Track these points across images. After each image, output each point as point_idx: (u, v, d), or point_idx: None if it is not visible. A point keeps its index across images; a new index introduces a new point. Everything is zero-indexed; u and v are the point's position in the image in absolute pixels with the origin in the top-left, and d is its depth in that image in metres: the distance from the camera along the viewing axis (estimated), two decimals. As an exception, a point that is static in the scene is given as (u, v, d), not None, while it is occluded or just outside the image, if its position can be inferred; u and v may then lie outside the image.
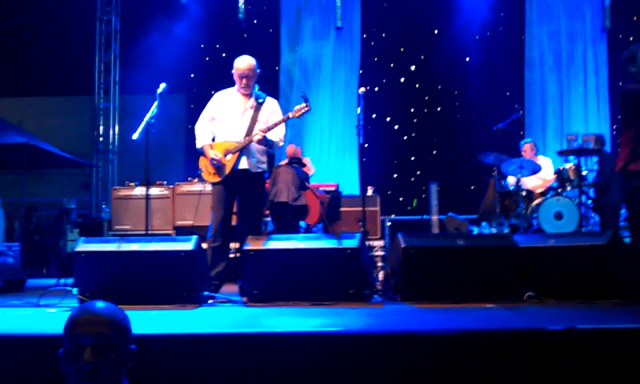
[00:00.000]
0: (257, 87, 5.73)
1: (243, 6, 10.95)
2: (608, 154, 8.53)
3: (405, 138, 11.23)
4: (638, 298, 4.69)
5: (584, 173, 8.10)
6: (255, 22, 11.21)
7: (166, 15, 10.92)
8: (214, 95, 5.79)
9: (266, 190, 6.01)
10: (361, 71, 11.05)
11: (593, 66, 10.96)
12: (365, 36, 11.20)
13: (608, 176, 8.05)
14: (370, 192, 8.59)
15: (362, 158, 6.15)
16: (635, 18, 10.99)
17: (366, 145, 6.20)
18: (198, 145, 5.67)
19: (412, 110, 11.24)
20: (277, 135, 5.63)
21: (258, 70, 5.69)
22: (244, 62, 5.61)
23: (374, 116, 10.86)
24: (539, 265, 4.81)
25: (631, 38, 10.90)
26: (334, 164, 10.61)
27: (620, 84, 10.82)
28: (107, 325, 2.15)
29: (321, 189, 8.58)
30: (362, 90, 6.17)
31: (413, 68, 11.27)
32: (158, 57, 10.39)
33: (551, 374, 3.22)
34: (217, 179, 5.60)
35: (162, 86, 5.85)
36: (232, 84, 5.75)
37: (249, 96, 5.65)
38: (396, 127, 11.25)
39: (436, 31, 11.16)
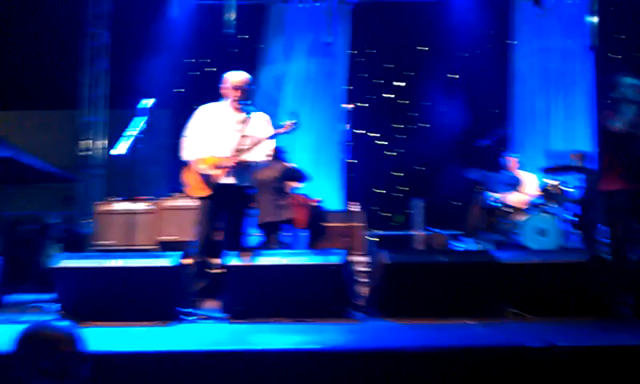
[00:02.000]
0: (247, 102, 5.71)
1: (232, 21, 10.97)
2: (593, 172, 8.58)
3: (391, 154, 11.26)
4: (618, 315, 4.72)
5: (568, 190, 8.15)
6: (243, 37, 11.22)
7: (155, 30, 10.91)
8: (200, 108, 5.74)
9: (250, 206, 5.98)
10: (348, 87, 11.08)
11: (580, 83, 11.04)
12: (354, 52, 11.25)
13: (592, 194, 8.10)
14: (355, 208, 8.60)
15: (348, 173, 6.15)
16: (623, 37, 11.09)
17: (353, 160, 6.20)
18: (188, 158, 5.61)
19: (399, 126, 11.28)
20: (263, 152, 5.61)
21: (253, 86, 5.68)
22: (239, 76, 5.60)
23: (360, 132, 10.88)
24: (521, 281, 4.82)
25: (619, 56, 11.00)
26: (319, 179, 10.59)
27: (606, 103, 10.92)
28: (69, 343, 2.19)
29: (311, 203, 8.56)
30: (350, 106, 6.18)
31: (401, 85, 11.32)
32: (145, 71, 10.36)
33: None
34: (203, 194, 5.57)
35: (149, 101, 5.83)
36: (216, 98, 5.74)
37: (239, 110, 5.63)
38: (382, 143, 11.28)
39: (425, 48, 11.22)
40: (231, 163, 5.46)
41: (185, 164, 5.64)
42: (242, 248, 5.55)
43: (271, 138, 5.64)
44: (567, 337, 3.85)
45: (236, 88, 5.56)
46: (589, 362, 3.30)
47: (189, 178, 5.63)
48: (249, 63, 11.00)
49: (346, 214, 7.13)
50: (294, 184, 8.04)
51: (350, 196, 7.94)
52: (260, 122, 5.68)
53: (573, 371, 3.27)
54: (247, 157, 5.52)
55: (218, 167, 5.49)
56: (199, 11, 10.97)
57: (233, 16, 10.87)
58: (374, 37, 11.25)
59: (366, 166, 10.51)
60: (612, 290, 4.83)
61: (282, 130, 5.66)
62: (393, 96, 11.29)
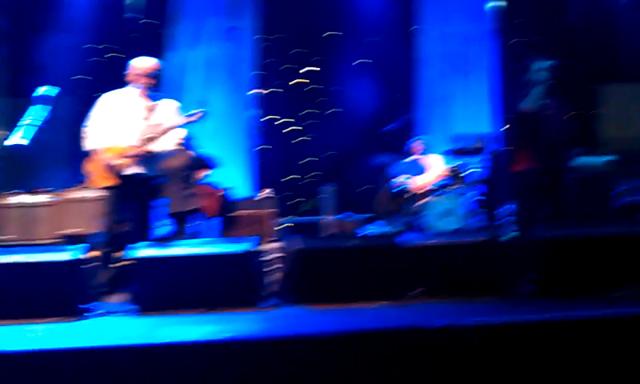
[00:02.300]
0: (155, 89, 5.59)
1: (131, 5, 10.62)
2: (495, 153, 8.91)
3: (301, 139, 11.28)
4: (516, 293, 4.95)
5: (472, 171, 8.42)
6: (143, 21, 10.89)
7: (51, 15, 10.43)
8: (106, 95, 5.58)
9: (158, 196, 5.87)
10: (255, 72, 11.00)
11: (478, 67, 11.40)
12: (259, 36, 11.16)
13: (493, 174, 8.42)
14: (266, 194, 8.58)
15: (258, 159, 6.15)
16: (521, 22, 11.50)
17: (263, 146, 6.18)
18: (93, 147, 5.44)
19: (307, 111, 11.30)
20: (172, 141, 5.53)
21: (161, 73, 5.57)
22: (147, 63, 5.48)
23: (269, 117, 10.85)
24: (427, 263, 4.97)
25: (517, 41, 11.42)
26: (229, 166, 10.49)
27: (504, 86, 11.36)
28: None
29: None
30: (257, 91, 6.15)
31: (307, 69, 11.33)
32: (42, 58, 9.92)
33: (437, 368, 3.33)
34: (109, 184, 5.42)
35: (47, 88, 5.60)
36: (119, 85, 5.59)
37: (146, 98, 5.51)
38: (292, 128, 11.27)
39: (329, 33, 11.27)
40: (138, 152, 5.34)
41: (88, 153, 5.46)
42: (150, 239, 5.45)
43: (180, 126, 5.56)
44: (472, 315, 3.99)
45: (144, 75, 5.44)
46: (493, 339, 3.44)
47: (93, 168, 5.46)
48: (154, 48, 10.70)
49: (257, 201, 7.11)
50: (203, 172, 7.93)
51: (261, 183, 7.90)
52: (168, 110, 5.58)
53: (479, 349, 3.40)
54: (155, 146, 5.42)
55: (124, 156, 5.35)
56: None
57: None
58: (282, 21, 11.21)
59: (276, 152, 10.50)
60: (516, 269, 5.05)
61: (190, 119, 5.61)
62: (301, 81, 11.30)
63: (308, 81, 11.30)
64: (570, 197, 5.51)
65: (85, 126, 5.52)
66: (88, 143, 5.47)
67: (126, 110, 5.46)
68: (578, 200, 5.93)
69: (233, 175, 10.50)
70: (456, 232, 6.83)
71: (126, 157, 5.35)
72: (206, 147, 10.19)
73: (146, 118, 5.44)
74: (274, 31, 11.26)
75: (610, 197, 8.21)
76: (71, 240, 7.57)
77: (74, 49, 10.30)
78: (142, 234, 5.41)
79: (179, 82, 10.83)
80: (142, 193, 5.47)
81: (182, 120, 5.58)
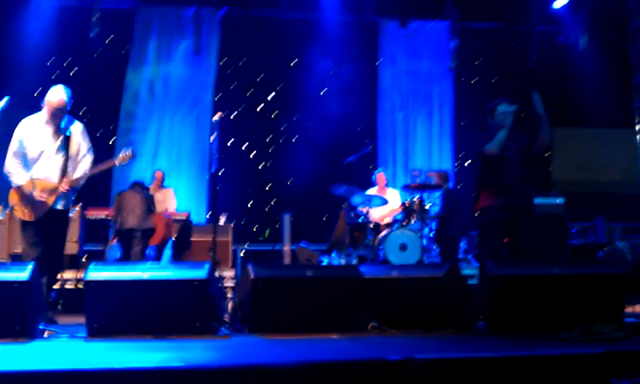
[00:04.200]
0: (63, 119, 5.49)
1: (95, 24, 10.53)
2: (450, 190, 9.06)
3: (260, 166, 11.29)
4: (472, 327, 4.99)
5: (427, 206, 8.52)
6: (107, 41, 10.82)
7: (12, 28, 10.28)
8: (21, 124, 5.45)
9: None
10: (217, 97, 11.00)
11: (438, 104, 11.63)
12: (222, 62, 11.18)
13: (449, 210, 8.54)
14: (222, 220, 8.52)
15: (214, 185, 6.10)
16: (476, 62, 11.81)
17: (221, 171, 6.15)
18: (17, 182, 5.34)
19: (268, 138, 11.32)
20: (84, 168, 5.50)
21: (71, 100, 5.48)
22: (57, 96, 5.37)
23: (229, 143, 10.82)
24: (383, 295, 4.98)
25: (473, 81, 11.70)
26: (185, 191, 10.43)
27: (462, 124, 11.59)
28: None
29: (173, 217, 8.41)
30: (217, 116, 6.14)
31: (270, 97, 11.37)
32: (4, 72, 9.77)
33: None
34: (30, 218, 5.33)
35: (3, 100, 5.49)
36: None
37: (58, 129, 5.42)
38: (251, 155, 11.28)
39: (292, 63, 11.36)
40: (62, 189, 5.32)
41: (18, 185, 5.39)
42: (60, 266, 5.43)
43: (105, 168, 5.56)
44: (426, 350, 4.01)
45: (52, 110, 5.35)
46: (446, 374, 3.45)
47: (16, 199, 5.38)
48: (116, 67, 10.65)
49: (212, 227, 7.03)
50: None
51: (217, 208, 7.83)
52: (77, 136, 5.51)
53: (431, 383, 3.41)
54: (73, 178, 5.39)
55: (45, 192, 5.30)
56: (64, 14, 10.47)
57: (98, 19, 10.45)
58: (244, 47, 11.26)
59: (233, 178, 10.46)
60: (472, 304, 5.10)
61: (117, 162, 5.63)
62: (262, 107, 11.33)
63: (270, 107, 11.34)
64: (527, 236, 5.61)
65: (8, 158, 5.43)
66: (15, 177, 5.37)
67: (42, 144, 5.39)
68: (534, 239, 6.03)
69: (189, 199, 10.42)
70: (413, 265, 6.88)
71: (48, 192, 5.32)
72: (164, 169, 10.13)
73: (62, 153, 5.40)
74: (238, 56, 11.29)
75: (563, 237, 8.40)
76: (19, 259, 7.38)
77: (37, 64, 10.17)
78: (54, 262, 5.43)
79: (143, 100, 10.76)
80: (57, 225, 5.45)
81: (111, 164, 5.64)
